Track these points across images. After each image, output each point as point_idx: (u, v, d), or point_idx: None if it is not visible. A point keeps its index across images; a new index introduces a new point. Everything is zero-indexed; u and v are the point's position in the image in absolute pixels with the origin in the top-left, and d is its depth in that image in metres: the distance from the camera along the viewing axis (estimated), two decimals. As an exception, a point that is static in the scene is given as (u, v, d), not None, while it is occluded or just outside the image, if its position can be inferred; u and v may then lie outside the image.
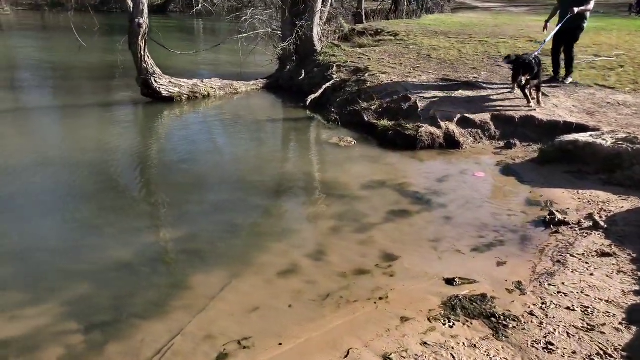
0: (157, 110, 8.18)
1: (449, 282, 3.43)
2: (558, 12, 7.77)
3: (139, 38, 7.63)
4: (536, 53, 7.06)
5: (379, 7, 25.28)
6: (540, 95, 7.05)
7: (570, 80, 8.21)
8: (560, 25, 7.36)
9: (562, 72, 8.34)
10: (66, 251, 3.86)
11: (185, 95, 8.48)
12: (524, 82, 6.70)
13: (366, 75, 8.63)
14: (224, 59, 13.21)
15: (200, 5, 13.29)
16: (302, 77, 9.64)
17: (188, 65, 11.64)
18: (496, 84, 8.49)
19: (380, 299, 3.20)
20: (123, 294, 3.34)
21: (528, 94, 6.94)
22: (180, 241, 4.04)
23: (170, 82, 8.30)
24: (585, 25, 7.68)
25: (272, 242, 4.03)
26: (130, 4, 7.57)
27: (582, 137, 5.52)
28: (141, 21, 7.56)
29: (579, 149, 5.46)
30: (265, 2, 11.67)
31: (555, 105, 7.20)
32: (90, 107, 8.56)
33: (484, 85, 8.30)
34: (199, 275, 3.55)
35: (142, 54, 7.74)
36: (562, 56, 8.15)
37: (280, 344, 2.80)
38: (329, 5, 11.37)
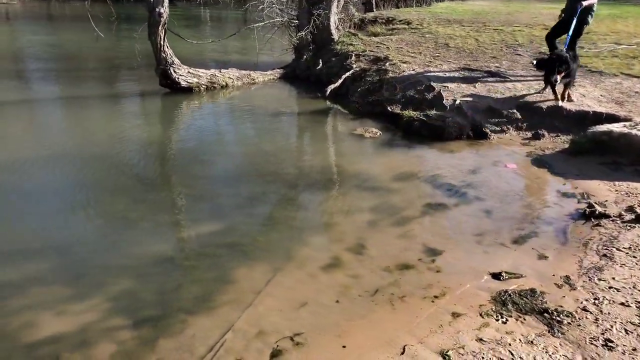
0: (176, 101, 8.12)
1: (496, 276, 3.38)
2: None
3: (159, 28, 7.55)
4: (565, 48, 6.87)
5: (389, -5, 25.03)
6: (569, 91, 6.72)
7: None
8: (575, 20, 6.89)
9: None
10: (105, 245, 3.83)
11: (203, 86, 8.41)
12: (559, 80, 6.35)
13: (387, 64, 8.53)
14: (233, 47, 13.09)
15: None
16: (319, 67, 9.54)
17: (197, 54, 11.51)
18: (519, 73, 8.38)
19: (436, 297, 3.14)
20: (167, 289, 3.30)
21: (559, 92, 6.68)
22: (218, 234, 3.99)
23: (188, 72, 8.23)
24: (590, 19, 7.20)
25: (311, 236, 3.99)
26: (151, -7, 7.49)
27: (617, 127, 5.43)
28: (162, 10, 7.48)
29: (614, 139, 5.38)
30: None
31: (582, 95, 7.10)
32: (108, 98, 8.54)
33: (507, 75, 8.20)
34: (242, 269, 3.52)
35: (162, 43, 7.66)
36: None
37: (344, 347, 2.76)
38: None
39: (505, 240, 3.86)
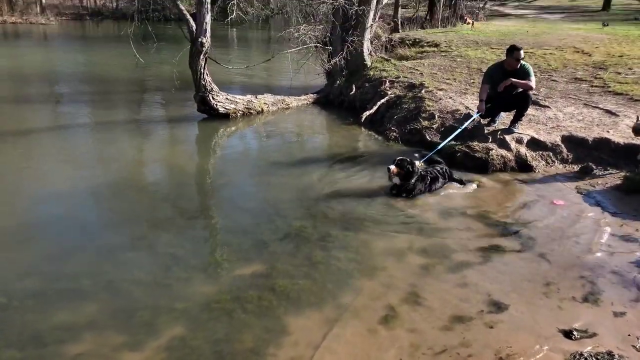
0: (214, 127, 8.14)
1: (567, 334, 3.18)
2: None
3: (201, 56, 7.63)
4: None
5: (413, 16, 25.04)
6: None
7: (517, 128, 6.73)
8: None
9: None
10: (155, 285, 3.73)
11: (240, 112, 8.41)
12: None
13: (422, 91, 8.40)
14: (260, 67, 12.87)
15: (234, 14, 13.17)
16: (353, 93, 9.46)
17: (224, 74, 11.25)
18: (558, 101, 8.18)
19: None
20: (219, 337, 3.18)
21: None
22: (262, 276, 3.85)
23: (226, 98, 8.24)
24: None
25: (361, 281, 3.82)
26: (193, 24, 7.56)
27: (675, 165, 5.20)
28: (204, 40, 7.55)
29: (672, 178, 5.15)
30: (313, 17, 11.51)
31: (629, 127, 6.86)
32: (147, 123, 8.63)
33: (546, 103, 8.01)
34: (292, 318, 3.37)
35: (202, 71, 7.71)
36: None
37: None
38: (377, 19, 11.15)
39: (569, 291, 3.66)
